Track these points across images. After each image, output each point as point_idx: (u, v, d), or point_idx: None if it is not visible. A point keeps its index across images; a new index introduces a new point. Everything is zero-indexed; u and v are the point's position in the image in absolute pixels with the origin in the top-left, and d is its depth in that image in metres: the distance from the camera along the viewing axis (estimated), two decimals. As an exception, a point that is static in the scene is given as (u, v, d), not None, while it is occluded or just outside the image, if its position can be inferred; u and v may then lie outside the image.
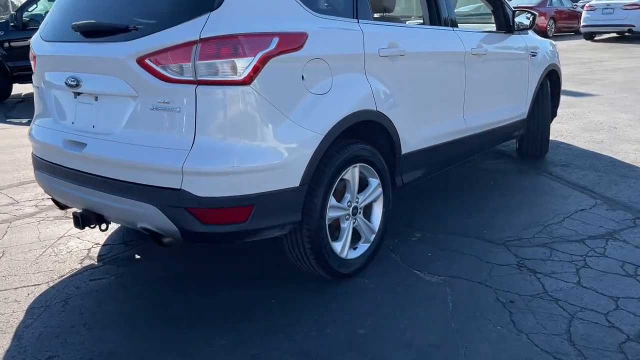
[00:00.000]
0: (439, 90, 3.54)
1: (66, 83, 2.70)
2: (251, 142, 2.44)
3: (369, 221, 3.09)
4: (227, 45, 2.35)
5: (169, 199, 2.42)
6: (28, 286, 2.97)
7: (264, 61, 2.41)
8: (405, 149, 3.24)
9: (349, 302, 2.73)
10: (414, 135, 3.31)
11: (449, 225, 3.61)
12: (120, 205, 2.57)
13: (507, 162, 5.03)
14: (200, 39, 2.32)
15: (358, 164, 2.91)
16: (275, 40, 2.45)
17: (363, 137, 2.98)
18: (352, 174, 2.88)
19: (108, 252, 3.33)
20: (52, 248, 3.41)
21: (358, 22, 2.93)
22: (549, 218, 3.67)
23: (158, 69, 2.38)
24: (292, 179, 2.55)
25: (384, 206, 3.13)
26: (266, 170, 2.47)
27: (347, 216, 2.92)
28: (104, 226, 2.89)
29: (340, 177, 2.80)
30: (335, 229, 2.92)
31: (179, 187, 2.39)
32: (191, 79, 2.34)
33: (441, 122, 3.59)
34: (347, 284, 2.89)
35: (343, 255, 2.90)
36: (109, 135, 2.57)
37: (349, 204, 2.91)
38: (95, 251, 3.35)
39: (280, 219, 2.58)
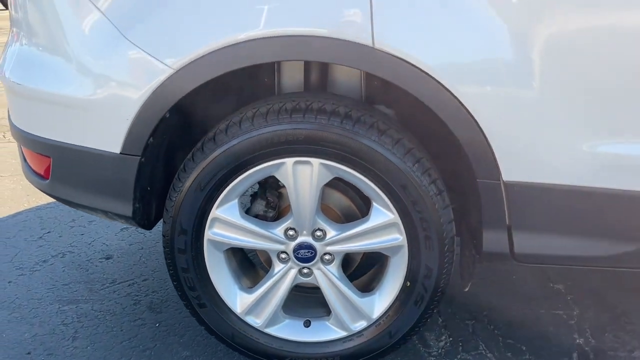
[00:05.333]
0: None
1: None
2: (48, 48, 1.59)
3: (364, 290, 1.68)
4: None
5: None
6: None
7: None
8: (513, 172, 1.40)
9: None
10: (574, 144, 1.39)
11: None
12: None
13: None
14: None
15: (317, 159, 1.46)
16: None
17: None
18: (291, 172, 1.49)
19: None
20: None
21: None
22: None
23: None
24: (107, 138, 1.54)
25: (409, 276, 1.56)
26: (61, 104, 1.57)
27: (284, 256, 1.62)
28: None
29: (254, 169, 1.49)
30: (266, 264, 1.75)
31: None
32: None
33: None
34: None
35: (253, 322, 1.68)
36: None
37: (291, 234, 1.58)
38: None
39: (96, 199, 1.63)
